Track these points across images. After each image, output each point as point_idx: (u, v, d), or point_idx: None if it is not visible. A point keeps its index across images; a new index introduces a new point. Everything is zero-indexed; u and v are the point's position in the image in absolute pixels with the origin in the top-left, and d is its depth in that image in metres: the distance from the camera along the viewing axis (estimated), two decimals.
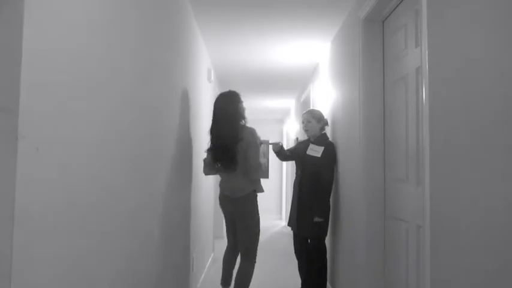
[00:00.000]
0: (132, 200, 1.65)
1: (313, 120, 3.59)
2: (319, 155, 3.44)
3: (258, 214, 3.06)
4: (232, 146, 2.91)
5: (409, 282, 2.16)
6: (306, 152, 3.51)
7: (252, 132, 3.00)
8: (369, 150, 2.64)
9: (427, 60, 1.69)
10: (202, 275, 4.10)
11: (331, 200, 3.53)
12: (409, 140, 2.19)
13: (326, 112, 4.11)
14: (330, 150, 3.47)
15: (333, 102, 3.77)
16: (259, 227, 3.05)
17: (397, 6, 2.38)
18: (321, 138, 3.54)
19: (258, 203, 3.09)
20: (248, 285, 2.99)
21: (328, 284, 3.76)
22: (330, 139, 3.60)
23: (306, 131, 3.65)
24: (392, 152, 2.49)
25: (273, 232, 7.44)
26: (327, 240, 3.73)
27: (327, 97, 4.11)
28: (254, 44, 4.04)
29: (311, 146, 3.51)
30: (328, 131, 3.99)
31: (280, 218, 9.29)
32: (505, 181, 1.19)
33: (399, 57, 2.36)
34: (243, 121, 3.05)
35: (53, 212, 1.00)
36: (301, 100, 5.97)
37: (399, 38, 2.36)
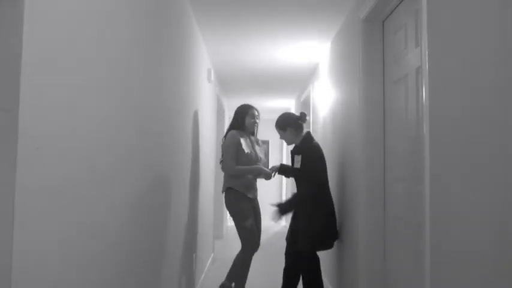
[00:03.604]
0: (134, 200, 1.65)
1: (280, 131, 3.20)
2: (299, 165, 3.03)
3: (241, 210, 3.23)
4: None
5: (409, 282, 2.16)
6: (294, 167, 3.12)
7: (227, 137, 3.34)
8: (369, 150, 2.64)
9: (427, 60, 1.69)
10: (202, 275, 4.10)
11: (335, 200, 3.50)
12: (409, 140, 2.19)
13: (326, 112, 4.10)
14: (305, 157, 3.01)
15: (333, 102, 3.76)
16: (245, 221, 3.21)
17: (397, 6, 2.38)
18: (301, 145, 3.11)
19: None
20: (238, 266, 3.26)
21: (328, 283, 3.76)
22: (313, 141, 3.11)
23: (284, 141, 3.29)
24: (392, 152, 2.49)
25: (273, 232, 7.44)
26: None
27: (326, 97, 4.11)
28: (254, 44, 4.04)
29: (295, 157, 3.10)
30: (326, 131, 3.98)
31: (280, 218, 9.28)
32: (504, 180, 1.19)
33: (399, 57, 2.36)
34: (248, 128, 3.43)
35: (53, 211, 1.00)
36: (301, 100, 5.97)
37: (399, 38, 2.36)
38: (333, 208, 3.14)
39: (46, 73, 0.96)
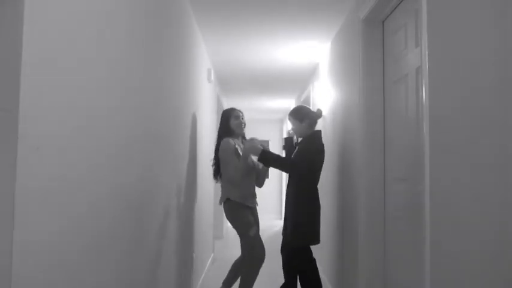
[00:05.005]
0: (134, 200, 1.65)
1: (296, 121, 3.16)
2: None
3: (242, 219, 3.15)
4: (216, 157, 3.32)
5: (409, 282, 2.16)
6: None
7: (222, 145, 3.21)
8: (369, 150, 2.64)
9: (427, 60, 1.69)
10: (202, 275, 4.10)
11: (335, 202, 3.51)
12: (409, 140, 2.19)
13: (326, 112, 4.10)
14: (304, 148, 3.04)
15: (333, 102, 3.76)
16: (248, 230, 3.13)
17: (397, 6, 2.38)
18: (308, 139, 3.10)
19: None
20: (246, 280, 3.15)
21: (328, 283, 3.76)
22: (320, 139, 3.11)
23: (295, 132, 3.26)
24: (392, 152, 2.50)
25: (272, 232, 7.43)
26: (328, 242, 3.72)
27: (327, 97, 4.11)
28: (254, 44, 4.04)
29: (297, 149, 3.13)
30: (327, 131, 3.98)
31: (280, 218, 9.29)
32: (504, 180, 1.19)
33: (399, 57, 2.36)
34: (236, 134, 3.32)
35: (53, 211, 1.00)
36: (301, 100, 5.97)
37: (399, 38, 2.36)
38: (318, 210, 3.06)
39: (46, 73, 0.96)
